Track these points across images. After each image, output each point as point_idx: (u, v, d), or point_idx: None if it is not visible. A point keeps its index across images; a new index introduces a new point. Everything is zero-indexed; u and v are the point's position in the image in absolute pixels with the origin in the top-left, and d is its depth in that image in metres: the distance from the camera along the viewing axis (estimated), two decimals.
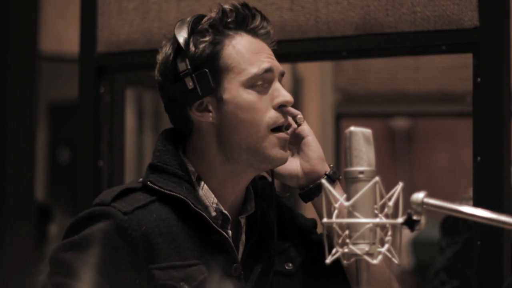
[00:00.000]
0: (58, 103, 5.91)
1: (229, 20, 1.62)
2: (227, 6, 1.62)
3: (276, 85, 1.63)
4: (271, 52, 1.66)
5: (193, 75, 1.58)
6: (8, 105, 3.15)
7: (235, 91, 1.59)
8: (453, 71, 3.62)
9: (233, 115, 1.59)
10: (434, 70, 3.75)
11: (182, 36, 1.60)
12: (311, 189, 1.67)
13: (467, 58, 1.98)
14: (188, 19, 1.64)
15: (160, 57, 1.65)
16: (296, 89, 5.15)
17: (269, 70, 1.61)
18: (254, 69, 1.60)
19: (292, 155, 1.70)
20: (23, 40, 3.31)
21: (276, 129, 1.61)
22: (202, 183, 1.63)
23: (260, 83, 1.60)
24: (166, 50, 1.64)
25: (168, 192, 1.59)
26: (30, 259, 3.12)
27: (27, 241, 3.18)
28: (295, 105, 1.66)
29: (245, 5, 1.64)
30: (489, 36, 1.91)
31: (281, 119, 1.61)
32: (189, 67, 1.58)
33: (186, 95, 1.59)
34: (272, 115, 1.60)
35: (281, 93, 1.62)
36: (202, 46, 1.59)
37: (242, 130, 1.59)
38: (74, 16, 2.48)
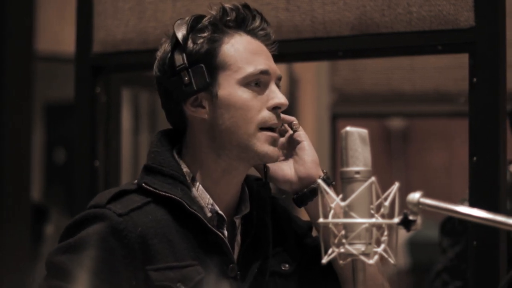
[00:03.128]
0: (54, 103, 5.91)
1: (229, 18, 1.62)
2: (228, 6, 1.62)
3: (272, 87, 1.63)
4: (269, 55, 1.66)
5: (189, 69, 1.59)
6: (4, 105, 3.15)
7: (230, 88, 1.60)
8: (449, 71, 3.62)
9: (226, 112, 1.60)
10: (430, 70, 3.75)
11: (181, 32, 1.61)
12: (305, 193, 1.67)
13: (463, 58, 1.98)
14: (188, 18, 1.64)
15: (159, 53, 1.66)
16: (292, 89, 5.16)
17: (265, 72, 1.61)
18: (250, 69, 1.60)
19: (287, 159, 1.70)
20: (19, 40, 3.30)
21: (266, 128, 1.62)
22: (197, 184, 1.63)
23: (255, 83, 1.61)
24: (165, 46, 1.65)
25: (163, 193, 1.59)
26: (26, 259, 3.12)
27: (23, 241, 3.17)
28: (291, 105, 1.67)
29: (246, 6, 1.65)
30: (485, 36, 1.91)
31: (273, 120, 1.62)
32: (185, 61, 1.59)
33: (182, 90, 1.60)
34: (264, 115, 1.60)
35: (277, 95, 1.62)
36: (200, 41, 1.60)
37: (234, 127, 1.60)
38: (70, 16, 2.48)
